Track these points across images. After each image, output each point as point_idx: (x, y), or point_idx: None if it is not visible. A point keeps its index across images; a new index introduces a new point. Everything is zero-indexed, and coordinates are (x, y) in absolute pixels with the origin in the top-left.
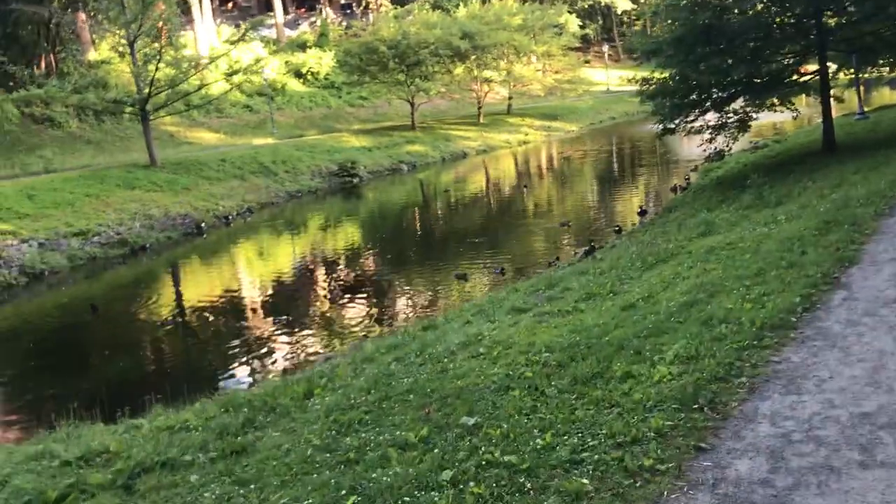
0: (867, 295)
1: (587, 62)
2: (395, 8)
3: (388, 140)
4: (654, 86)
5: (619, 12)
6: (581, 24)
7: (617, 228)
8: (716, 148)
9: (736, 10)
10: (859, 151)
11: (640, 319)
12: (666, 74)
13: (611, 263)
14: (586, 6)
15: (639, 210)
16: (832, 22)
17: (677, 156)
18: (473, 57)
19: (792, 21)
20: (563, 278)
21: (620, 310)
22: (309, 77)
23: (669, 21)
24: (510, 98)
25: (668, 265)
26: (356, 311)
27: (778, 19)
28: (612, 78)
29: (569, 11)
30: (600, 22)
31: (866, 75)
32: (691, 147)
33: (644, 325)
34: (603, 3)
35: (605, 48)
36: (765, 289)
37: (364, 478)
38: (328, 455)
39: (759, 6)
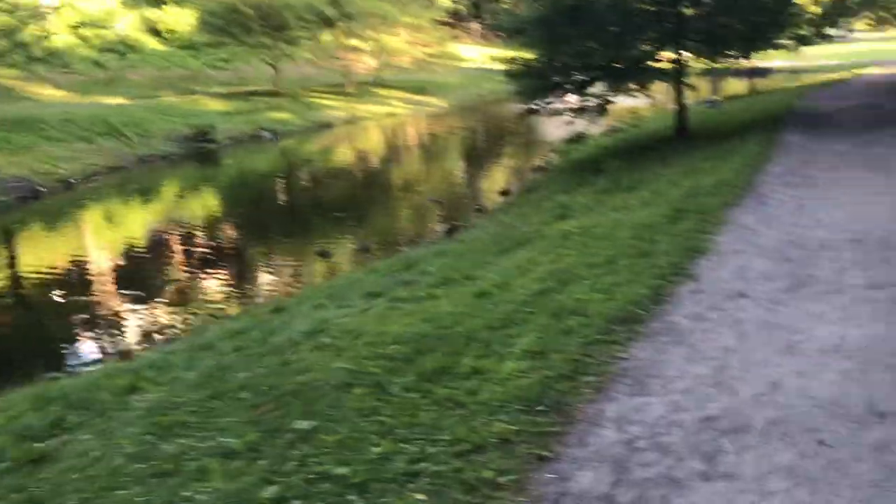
0: (713, 287)
1: (457, 38)
2: None
3: (250, 105)
4: (519, 65)
5: None
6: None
7: (478, 207)
8: (573, 132)
9: None
10: (709, 139)
11: (493, 308)
12: (532, 55)
13: (469, 246)
14: None
15: (501, 190)
16: (689, 12)
17: (542, 135)
18: (341, 24)
19: (653, 9)
20: (421, 260)
21: (474, 297)
22: (166, 35)
23: (534, 1)
24: (378, 69)
25: (524, 250)
26: (210, 287)
27: (640, 6)
28: (482, 55)
29: None
30: None
31: (718, 65)
32: (555, 127)
33: (496, 314)
34: None
35: (476, 24)
36: (615, 279)
37: (177, 495)
38: (142, 465)
39: None
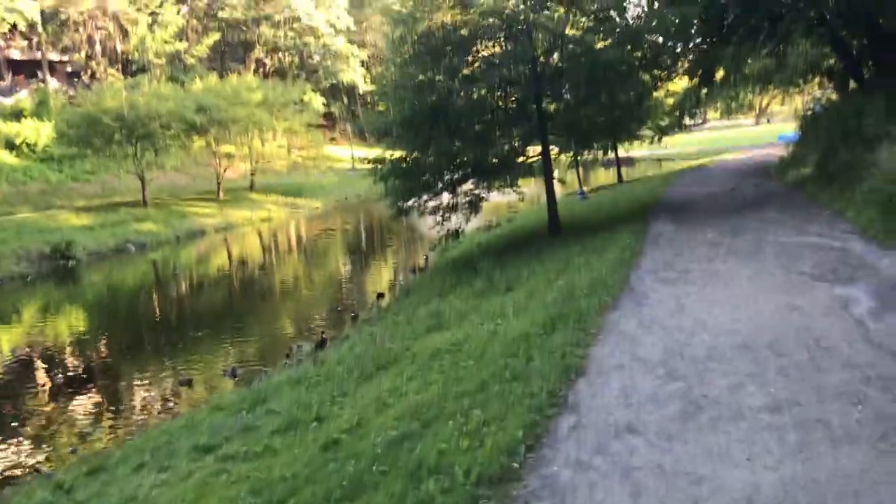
0: (597, 420)
1: (333, 139)
2: (126, 78)
3: (115, 217)
4: (386, 166)
5: (360, 92)
6: (325, 102)
7: (353, 314)
8: (448, 230)
9: (462, 93)
10: (581, 232)
11: (338, 469)
12: (398, 155)
13: (330, 369)
14: (328, 85)
15: (376, 294)
16: (552, 107)
17: (420, 233)
18: (212, 131)
19: (514, 106)
20: (274, 392)
21: (321, 449)
22: (24, 149)
23: (398, 102)
24: (252, 174)
25: (388, 374)
26: (37, 429)
27: (501, 103)
28: (356, 156)
29: (313, 90)
30: (345, 101)
31: (584, 157)
32: (432, 225)
33: (340, 478)
34: (345, 83)
35: (349, 126)
36: (486, 414)
37: None
38: None
39: (484, 90)
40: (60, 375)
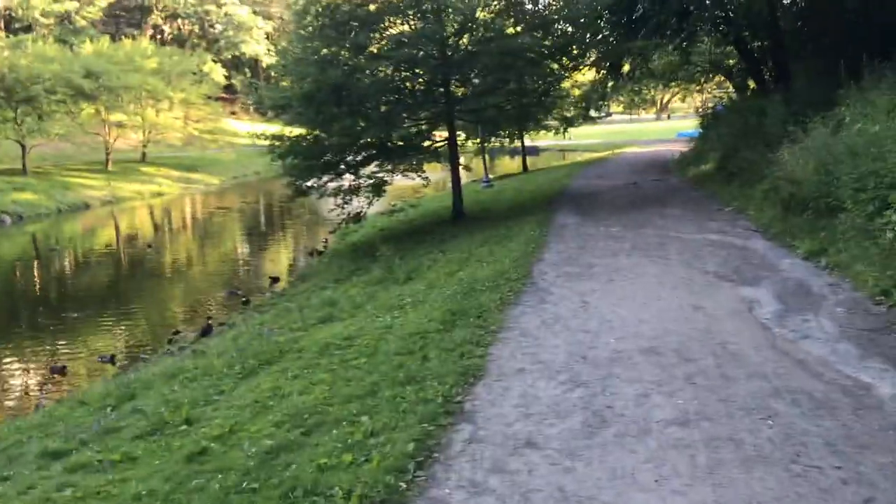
0: (494, 432)
1: (233, 114)
2: (7, 37)
3: None
4: (286, 144)
5: (264, 66)
6: (226, 74)
7: (244, 299)
8: (349, 213)
9: (367, 71)
10: (485, 221)
11: (203, 486)
12: (299, 132)
13: (209, 362)
14: (230, 56)
15: (270, 278)
16: (460, 92)
17: (322, 215)
18: (102, 98)
19: (422, 88)
20: (145, 385)
21: (186, 460)
22: None
23: (300, 77)
24: (145, 146)
25: (271, 371)
26: None
27: (409, 84)
28: (258, 131)
29: (213, 60)
30: (248, 74)
31: (491, 144)
32: (335, 207)
33: (205, 497)
34: (248, 55)
35: (251, 101)
36: (374, 423)
37: None
38: None
39: (391, 70)
40: None
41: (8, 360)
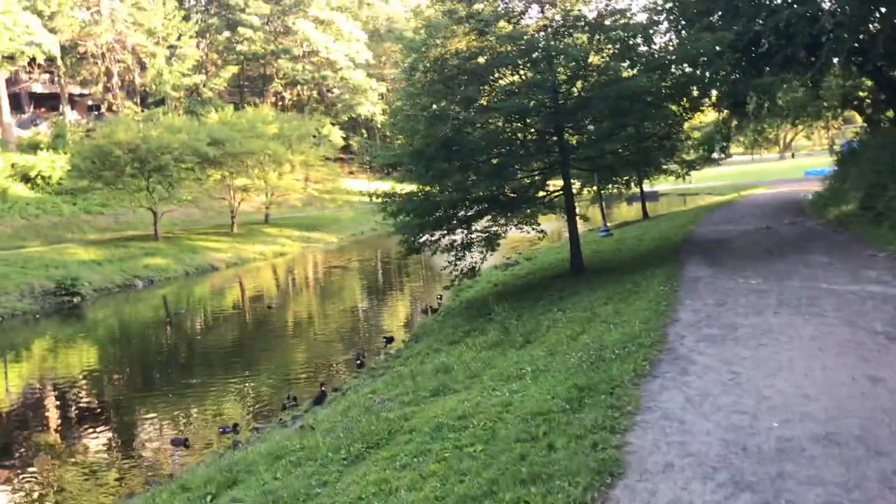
0: None
1: (351, 173)
2: (142, 111)
3: (124, 252)
4: (397, 201)
5: (378, 125)
6: (344, 135)
7: (359, 362)
8: (463, 268)
9: (477, 125)
10: (606, 274)
11: None
12: (409, 189)
13: (316, 441)
14: (346, 119)
15: (384, 338)
16: (573, 140)
17: (437, 270)
18: (227, 164)
19: (534, 138)
20: (248, 468)
21: None
22: (39, 182)
23: (409, 133)
24: (268, 207)
25: (379, 457)
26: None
27: (520, 135)
28: (371, 189)
29: (332, 123)
30: (364, 134)
31: (608, 191)
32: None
33: None
34: (363, 116)
35: (367, 159)
36: None
37: None
38: None
39: (501, 122)
40: (43, 426)
41: (135, 429)
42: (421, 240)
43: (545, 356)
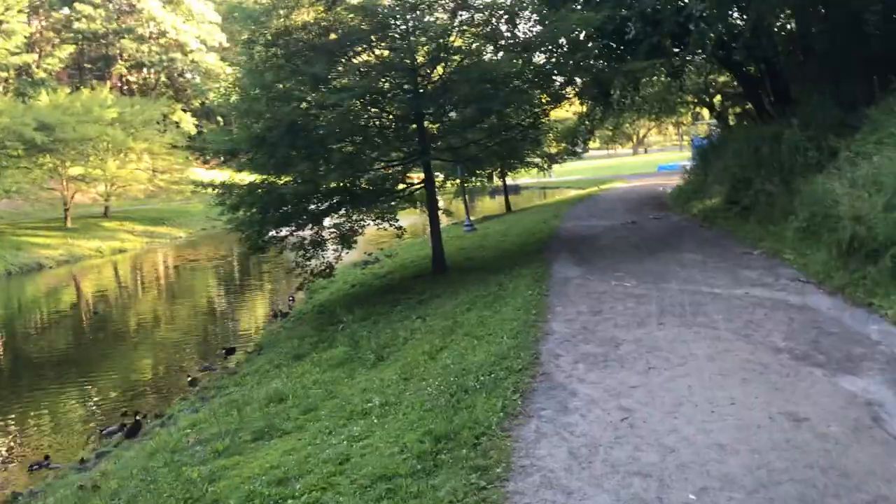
0: None
1: (206, 162)
2: None
3: None
4: (236, 193)
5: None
6: (197, 122)
7: (190, 378)
8: (312, 268)
9: (328, 107)
10: (471, 273)
11: None
12: (250, 180)
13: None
14: (199, 105)
15: (224, 349)
16: (435, 128)
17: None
18: (59, 151)
19: (392, 124)
20: None
21: None
22: None
23: (248, 116)
24: (107, 199)
25: None
26: None
27: (377, 121)
28: (207, 180)
29: (183, 109)
30: (221, 122)
31: (472, 184)
32: (292, 266)
33: None
34: (217, 103)
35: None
36: None
37: None
38: None
39: (356, 106)
40: None
41: None
42: (265, 237)
43: (398, 381)
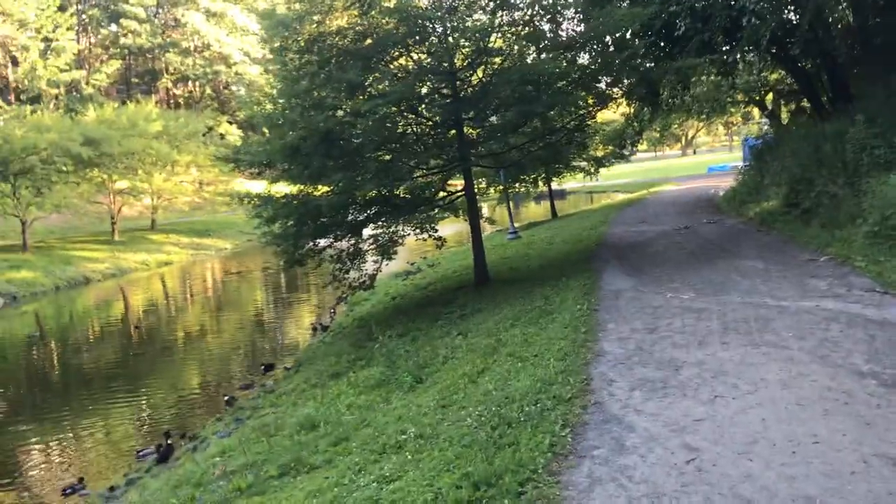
0: None
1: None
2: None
3: None
4: (273, 205)
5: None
6: (243, 135)
7: (227, 398)
8: (351, 282)
9: (364, 115)
10: (514, 285)
11: None
12: (287, 192)
13: None
14: (243, 116)
15: (263, 365)
16: (475, 133)
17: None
18: (105, 166)
19: (430, 131)
20: None
21: None
22: None
23: (282, 125)
24: (153, 212)
25: None
26: None
27: (414, 128)
28: (247, 190)
29: (228, 121)
30: (265, 133)
31: (515, 190)
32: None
33: None
34: (250, 114)
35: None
36: None
37: None
38: None
39: (392, 112)
40: None
41: None
42: (302, 250)
43: (435, 408)
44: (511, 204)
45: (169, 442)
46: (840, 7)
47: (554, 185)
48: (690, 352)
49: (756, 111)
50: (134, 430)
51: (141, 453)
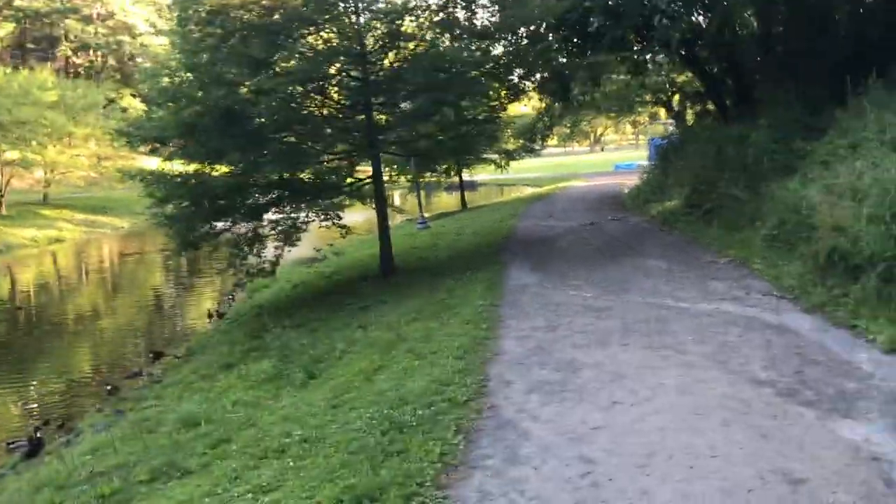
0: None
1: (154, 150)
2: None
3: None
4: (167, 184)
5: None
6: (147, 108)
7: (109, 387)
8: (248, 268)
9: (264, 93)
10: (421, 276)
11: None
12: (178, 171)
13: None
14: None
15: (152, 353)
16: (384, 119)
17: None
18: None
19: (338, 114)
20: None
21: None
22: None
23: (177, 100)
24: (46, 186)
25: None
26: None
27: (322, 111)
28: (135, 169)
29: (133, 94)
30: (170, 107)
31: (426, 179)
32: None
33: None
34: (144, 86)
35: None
36: None
37: None
38: None
39: (299, 90)
40: None
41: None
42: (197, 233)
43: (325, 408)
44: (422, 193)
45: (38, 435)
46: (747, 14)
47: (465, 177)
48: (590, 352)
49: (663, 111)
50: (6, 420)
51: (13, 445)
